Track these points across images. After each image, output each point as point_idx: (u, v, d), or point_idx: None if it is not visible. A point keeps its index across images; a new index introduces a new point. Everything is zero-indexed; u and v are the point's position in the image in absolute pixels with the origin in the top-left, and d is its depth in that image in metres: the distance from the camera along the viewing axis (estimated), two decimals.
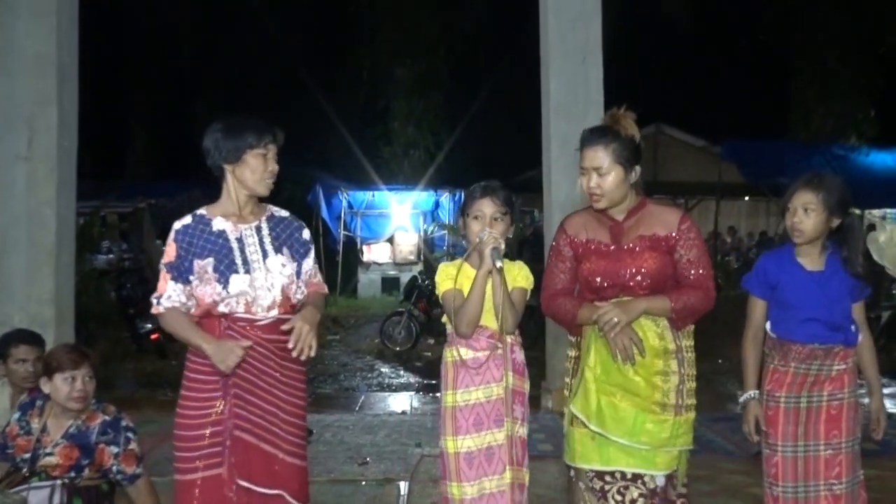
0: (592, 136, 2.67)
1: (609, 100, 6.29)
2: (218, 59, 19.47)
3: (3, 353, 3.63)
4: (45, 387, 3.15)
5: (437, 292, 2.93)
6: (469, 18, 17.63)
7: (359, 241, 16.31)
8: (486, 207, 2.81)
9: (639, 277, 2.64)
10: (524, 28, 6.84)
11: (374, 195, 16.24)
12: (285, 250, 2.74)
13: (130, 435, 3.21)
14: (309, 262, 2.82)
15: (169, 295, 2.63)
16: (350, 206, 16.15)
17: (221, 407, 2.58)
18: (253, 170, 2.67)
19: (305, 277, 2.79)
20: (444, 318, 2.89)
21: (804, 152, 15.15)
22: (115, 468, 3.15)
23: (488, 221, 2.80)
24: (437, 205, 16.06)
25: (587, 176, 2.67)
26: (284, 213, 2.86)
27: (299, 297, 2.75)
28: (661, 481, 2.63)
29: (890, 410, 6.61)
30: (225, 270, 2.61)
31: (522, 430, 2.84)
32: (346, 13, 18.13)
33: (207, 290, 2.60)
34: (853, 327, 2.86)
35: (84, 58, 6.77)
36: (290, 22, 18.88)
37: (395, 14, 17.19)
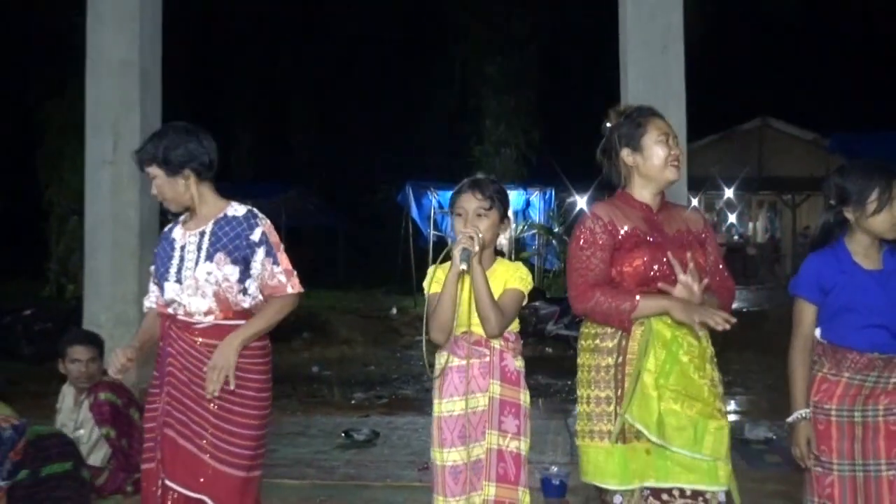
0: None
1: (710, 91, 5.98)
2: (312, 60, 19.84)
3: (62, 351, 3.73)
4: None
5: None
6: (558, 17, 17.28)
7: (449, 240, 16.19)
8: (468, 203, 2.64)
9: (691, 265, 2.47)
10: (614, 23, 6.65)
11: None
12: (220, 255, 2.61)
13: None
14: (257, 263, 2.64)
15: (148, 296, 2.83)
16: (440, 205, 16.11)
17: (159, 403, 2.64)
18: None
19: (258, 282, 2.66)
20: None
21: None
22: None
23: (470, 217, 2.62)
24: (527, 203, 15.82)
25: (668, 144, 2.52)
26: (239, 213, 2.70)
27: (248, 302, 2.66)
28: (722, 498, 2.41)
29: None
30: (160, 278, 2.69)
31: (516, 445, 2.60)
32: (436, 13, 18.15)
33: (157, 291, 2.75)
34: None
35: (180, 62, 6.97)
36: (382, 21, 19.04)
37: (484, 11, 17.07)
